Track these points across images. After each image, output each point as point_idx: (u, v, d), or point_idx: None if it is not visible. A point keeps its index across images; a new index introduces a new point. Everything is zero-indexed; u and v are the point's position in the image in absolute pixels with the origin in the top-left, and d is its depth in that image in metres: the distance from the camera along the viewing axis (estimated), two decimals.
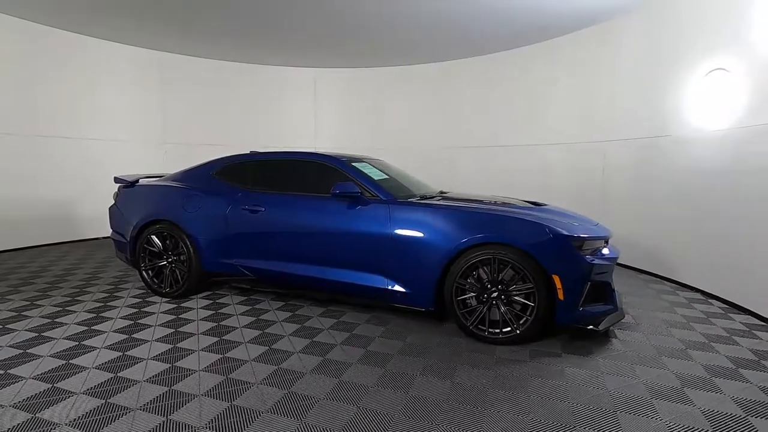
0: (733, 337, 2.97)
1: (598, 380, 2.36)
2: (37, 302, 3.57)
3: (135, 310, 3.41)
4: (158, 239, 3.73)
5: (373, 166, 3.62)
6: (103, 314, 3.31)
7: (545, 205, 3.46)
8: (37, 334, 2.90)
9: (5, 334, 2.89)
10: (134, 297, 3.75)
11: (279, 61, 7.49)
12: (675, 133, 4.31)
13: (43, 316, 3.24)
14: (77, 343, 2.78)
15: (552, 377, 2.39)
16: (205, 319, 3.24)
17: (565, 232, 2.73)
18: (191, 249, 3.60)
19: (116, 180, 4.08)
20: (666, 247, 4.45)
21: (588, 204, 5.28)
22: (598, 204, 5.33)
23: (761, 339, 2.93)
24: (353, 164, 3.42)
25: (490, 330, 2.80)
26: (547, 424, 1.94)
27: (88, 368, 2.43)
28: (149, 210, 3.77)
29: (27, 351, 2.64)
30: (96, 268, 4.77)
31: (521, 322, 2.75)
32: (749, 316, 3.38)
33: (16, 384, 2.24)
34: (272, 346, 2.76)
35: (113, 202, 4.12)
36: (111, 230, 4.13)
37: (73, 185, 6.28)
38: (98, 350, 2.67)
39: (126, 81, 6.73)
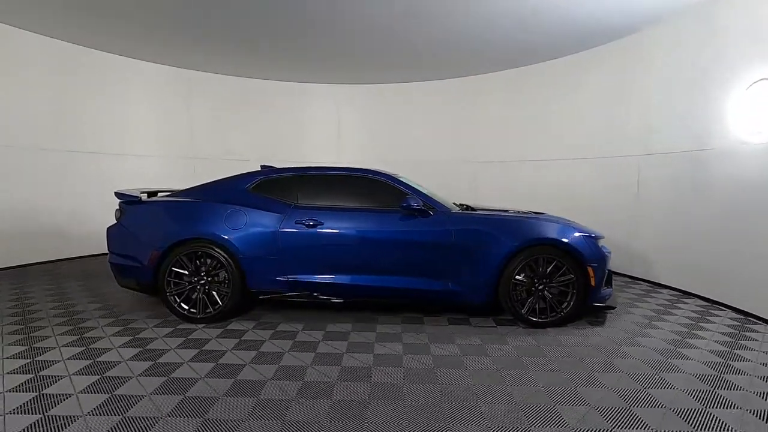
0: None
1: (634, 340, 3.16)
2: (37, 345, 2.94)
3: (182, 339, 3.10)
4: (188, 260, 3.43)
5: (411, 181, 3.97)
6: (149, 347, 2.94)
7: (543, 213, 4.27)
8: (108, 395, 2.49)
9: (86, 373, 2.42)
10: (159, 327, 3.35)
11: (303, 78, 7.66)
12: (718, 145, 4.14)
13: (75, 357, 2.73)
14: (162, 377, 2.49)
15: (604, 345, 3.11)
16: (274, 339, 3.15)
17: (592, 233, 3.54)
18: (235, 268, 3.41)
19: (119, 195, 3.58)
20: (711, 264, 4.20)
21: (621, 219, 5.31)
22: (632, 219, 5.22)
23: None
24: (402, 179, 3.73)
25: (541, 316, 3.44)
26: (637, 371, 2.62)
27: (252, 397, 2.28)
28: (177, 229, 3.43)
29: (127, 416, 2.30)
30: (58, 295, 3.97)
31: (563, 306, 3.44)
32: None
33: None
34: (374, 352, 2.92)
35: (115, 220, 3.59)
36: (111, 254, 3.58)
37: (103, 199, 5.65)
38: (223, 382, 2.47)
39: (156, 98, 6.94)
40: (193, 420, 2.06)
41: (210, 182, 3.81)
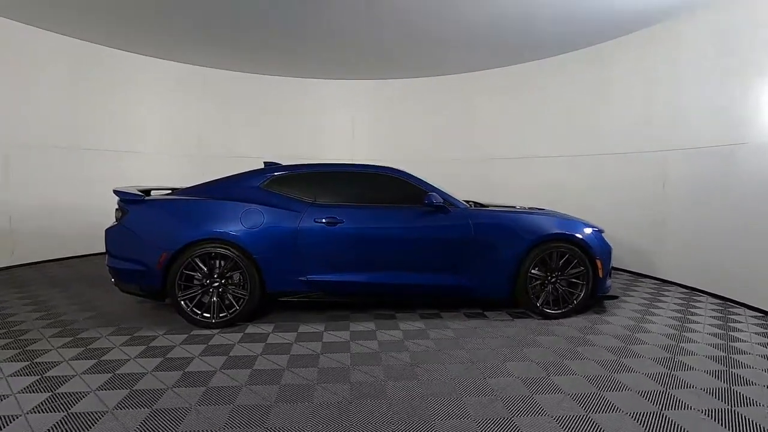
0: None
1: (642, 326, 3.39)
2: (40, 360, 2.66)
3: (203, 345, 2.92)
4: (201, 262, 3.23)
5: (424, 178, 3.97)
6: (170, 356, 2.75)
7: (543, 209, 4.44)
8: (149, 410, 2.30)
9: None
10: (171, 334, 3.13)
11: (315, 74, 7.57)
12: (754, 140, 3.90)
13: (90, 371, 2.49)
14: (200, 387, 2.34)
15: (617, 332, 3.31)
16: (301, 341, 3.05)
17: (596, 227, 3.73)
18: (252, 269, 3.26)
19: (120, 194, 3.29)
20: (750, 265, 3.91)
21: (645, 218, 5.09)
22: (658, 218, 4.95)
23: None
24: (416, 177, 3.73)
25: (554, 307, 3.59)
26: (657, 355, 2.82)
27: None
28: (190, 228, 3.22)
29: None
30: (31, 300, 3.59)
31: (574, 298, 3.61)
32: None
33: None
34: (409, 350, 2.91)
35: (115, 221, 3.31)
36: (111, 257, 3.29)
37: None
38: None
39: (169, 95, 6.90)
40: (253, 430, 1.96)
41: (218, 179, 3.60)
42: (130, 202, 3.29)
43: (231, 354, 2.80)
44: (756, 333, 3.28)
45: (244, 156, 7.20)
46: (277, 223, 3.34)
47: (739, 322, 3.54)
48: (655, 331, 3.32)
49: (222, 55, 6.46)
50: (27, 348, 2.84)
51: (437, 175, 6.40)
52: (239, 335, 3.13)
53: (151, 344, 2.94)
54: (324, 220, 3.37)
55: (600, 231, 3.74)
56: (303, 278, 3.38)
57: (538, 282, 3.58)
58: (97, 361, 2.67)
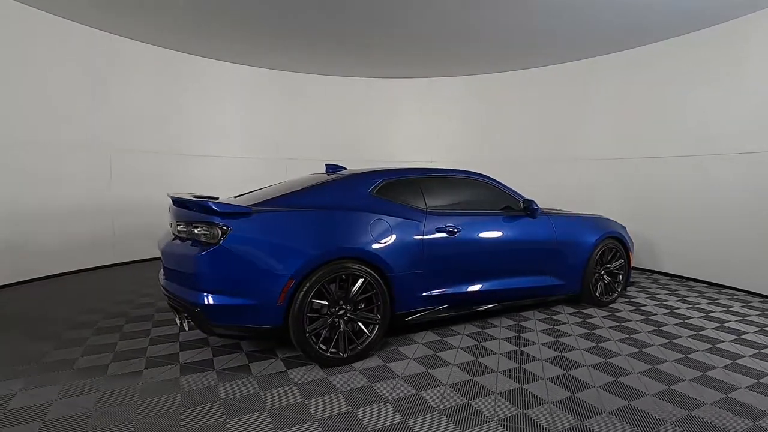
0: None
1: (665, 309, 4.18)
2: None
3: (363, 385, 2.38)
4: (331, 286, 2.63)
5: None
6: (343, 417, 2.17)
7: (568, 210, 4.90)
8: None
9: None
10: (307, 385, 2.45)
11: (392, 74, 7.37)
12: None
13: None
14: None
15: (660, 315, 4.00)
16: (457, 363, 2.77)
17: (624, 225, 4.43)
18: (385, 288, 2.80)
19: (214, 205, 2.40)
20: None
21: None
22: None
23: None
24: (500, 181, 3.77)
25: (605, 296, 4.12)
26: (719, 342, 3.55)
27: None
28: (322, 246, 2.58)
29: None
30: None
31: (616, 287, 4.20)
32: None
33: None
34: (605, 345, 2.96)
35: (206, 243, 2.40)
36: (200, 292, 2.37)
37: None
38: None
39: (249, 100, 6.98)
40: None
41: (315, 185, 2.97)
42: (232, 215, 2.43)
43: (420, 392, 2.38)
44: None
45: (319, 159, 6.39)
46: (403, 234, 2.95)
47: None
48: (677, 318, 4.14)
49: (298, 59, 6.49)
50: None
51: (532, 176, 6.75)
52: (401, 363, 2.65)
53: (278, 405, 2.26)
54: (445, 229, 3.14)
55: (625, 228, 4.47)
56: (427, 294, 3.07)
57: (594, 276, 4.06)
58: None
